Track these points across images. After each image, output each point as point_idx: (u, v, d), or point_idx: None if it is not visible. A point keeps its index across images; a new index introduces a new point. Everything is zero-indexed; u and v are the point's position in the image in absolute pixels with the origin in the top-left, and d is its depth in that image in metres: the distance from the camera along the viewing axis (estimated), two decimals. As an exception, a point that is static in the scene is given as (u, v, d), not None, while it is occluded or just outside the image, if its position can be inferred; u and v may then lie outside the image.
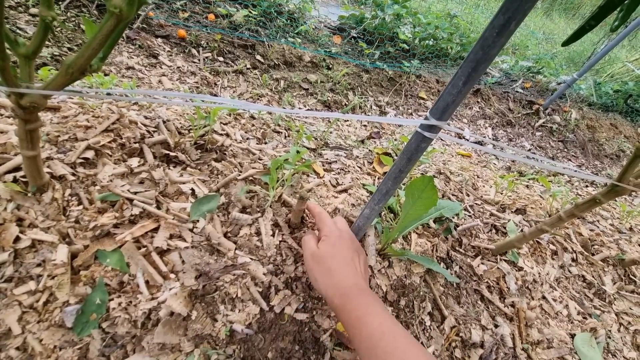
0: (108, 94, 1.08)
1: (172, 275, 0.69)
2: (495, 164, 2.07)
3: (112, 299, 0.64)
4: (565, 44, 0.75)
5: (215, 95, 1.79)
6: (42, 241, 0.65)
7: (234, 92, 1.85)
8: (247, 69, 2.02)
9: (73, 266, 0.65)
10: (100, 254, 0.67)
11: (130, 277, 0.67)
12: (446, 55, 2.89)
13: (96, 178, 0.78)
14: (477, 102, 2.78)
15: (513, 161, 2.27)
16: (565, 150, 2.73)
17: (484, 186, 1.45)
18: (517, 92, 3.01)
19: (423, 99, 2.54)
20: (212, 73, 1.90)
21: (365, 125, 2.10)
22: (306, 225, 0.89)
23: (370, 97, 2.35)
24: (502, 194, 1.40)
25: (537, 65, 3.30)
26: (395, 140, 1.73)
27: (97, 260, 0.67)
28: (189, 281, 0.69)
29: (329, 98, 2.12)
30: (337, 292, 0.58)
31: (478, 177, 1.54)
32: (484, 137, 2.53)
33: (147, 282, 0.67)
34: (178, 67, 1.80)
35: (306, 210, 0.85)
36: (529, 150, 2.54)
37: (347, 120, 2.08)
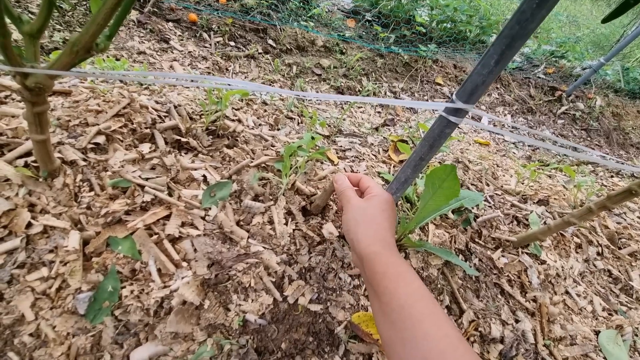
0: (119, 77, 1.06)
1: (185, 264, 0.68)
2: (515, 153, 1.99)
3: (125, 287, 0.63)
4: (606, 20, 0.68)
5: (226, 80, 1.76)
6: (54, 227, 0.65)
7: (245, 77, 1.81)
8: (259, 53, 1.97)
9: (85, 253, 0.64)
10: (112, 241, 0.66)
11: (142, 265, 0.66)
12: (464, 39, 2.77)
13: (107, 164, 0.76)
14: (497, 88, 2.67)
15: (534, 150, 2.18)
16: (589, 139, 2.61)
17: (504, 175, 1.39)
18: (538, 77, 2.88)
19: (440, 84, 2.45)
20: (224, 58, 1.86)
21: (379, 112, 2.04)
22: (327, 214, 0.87)
23: (385, 83, 2.27)
24: (523, 184, 1.34)
25: (560, 50, 3.14)
26: (411, 127, 1.67)
27: (109, 247, 0.66)
28: (202, 270, 0.68)
29: (342, 84, 2.06)
30: (378, 241, 0.53)
31: (498, 166, 1.48)
32: (503, 125, 2.43)
33: (159, 270, 0.66)
34: (189, 52, 1.77)
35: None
36: (550, 140, 2.44)
37: (361, 107, 2.02)
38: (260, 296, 0.70)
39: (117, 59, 1.40)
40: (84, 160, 0.75)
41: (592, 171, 1.93)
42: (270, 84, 1.82)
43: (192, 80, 0.94)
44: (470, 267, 0.92)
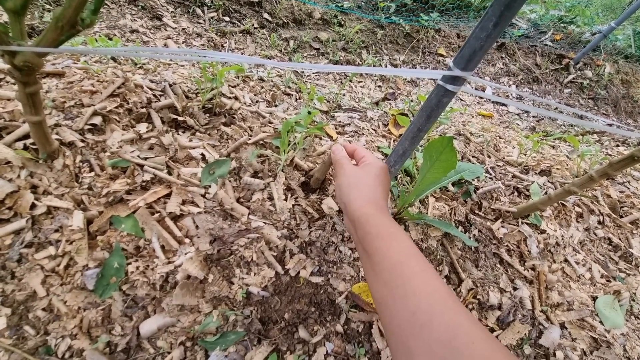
0: (112, 55, 1.04)
1: (187, 240, 0.69)
2: (519, 124, 1.95)
3: (130, 263, 0.64)
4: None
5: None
6: (58, 207, 0.66)
7: (242, 54, 1.76)
8: (255, 28, 1.91)
9: (89, 231, 0.66)
10: (115, 220, 0.67)
11: (146, 242, 0.67)
12: (468, 5, 2.66)
13: (105, 144, 0.77)
14: (501, 57, 2.59)
15: (538, 121, 2.14)
16: (596, 108, 2.55)
17: (506, 147, 1.37)
18: (545, 45, 2.78)
19: (442, 55, 2.38)
20: (219, 34, 1.81)
21: (379, 87, 2.00)
22: (327, 189, 0.87)
23: (385, 55, 2.21)
24: (525, 155, 1.32)
25: (569, 15, 3.00)
26: (412, 101, 1.64)
27: (112, 225, 0.67)
28: (204, 246, 0.70)
29: (341, 58, 2.01)
30: (370, 203, 0.54)
31: (500, 137, 1.46)
32: (507, 95, 2.38)
33: (162, 246, 0.67)
34: (183, 29, 1.72)
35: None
36: (555, 109, 2.39)
37: (361, 82, 1.98)
38: (262, 270, 0.72)
39: (110, 38, 1.37)
40: (82, 141, 0.75)
41: (598, 141, 1.90)
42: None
43: (186, 55, 0.92)
44: (470, 238, 0.93)
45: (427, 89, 2.05)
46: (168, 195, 0.74)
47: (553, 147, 1.53)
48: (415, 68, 2.25)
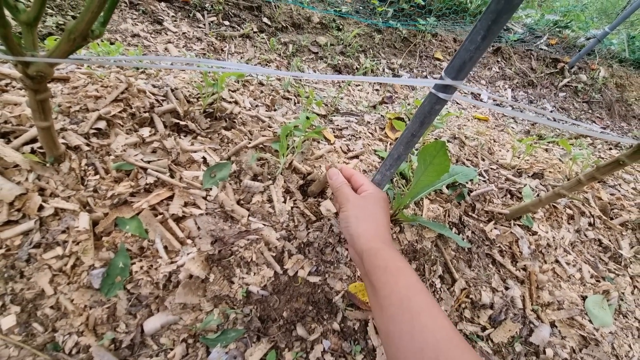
0: (115, 61, 1.06)
1: (189, 241, 0.72)
2: (513, 128, 1.99)
3: (134, 263, 0.67)
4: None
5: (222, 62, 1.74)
6: (64, 209, 0.68)
7: (241, 57, 1.79)
8: (254, 32, 1.94)
9: (95, 233, 0.68)
10: (120, 221, 0.69)
11: (150, 243, 0.70)
12: (465, 10, 2.70)
13: (110, 148, 0.79)
14: (497, 61, 2.63)
15: (533, 124, 2.17)
16: (590, 111, 2.59)
17: (500, 150, 1.40)
18: (541, 49, 2.82)
19: (439, 59, 2.41)
20: (219, 38, 1.84)
21: (377, 90, 2.03)
22: (324, 192, 0.90)
23: (383, 59, 2.24)
24: (518, 158, 1.35)
25: (565, 19, 3.05)
26: (409, 104, 1.67)
27: (117, 227, 0.69)
28: (205, 246, 0.72)
29: (339, 62, 2.04)
30: (378, 237, 0.56)
31: (495, 141, 1.49)
32: (503, 99, 2.41)
33: (165, 247, 0.70)
34: (183, 33, 1.75)
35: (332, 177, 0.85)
36: (551, 112, 2.42)
37: (359, 85, 2.01)
38: (261, 270, 0.74)
39: (112, 43, 1.39)
40: (87, 145, 0.77)
41: (591, 144, 1.93)
42: (266, 64, 1.81)
43: (187, 64, 0.95)
44: (463, 239, 0.96)
45: (423, 93, 2.09)
46: (171, 198, 0.76)
47: (546, 150, 1.56)
48: (413, 71, 2.28)
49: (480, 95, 2.20)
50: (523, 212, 1.00)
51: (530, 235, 1.03)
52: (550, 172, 1.30)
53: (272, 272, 0.75)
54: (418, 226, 0.92)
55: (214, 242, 0.74)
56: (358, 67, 2.08)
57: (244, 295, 0.71)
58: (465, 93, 2.26)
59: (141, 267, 0.67)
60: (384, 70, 2.18)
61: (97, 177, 0.74)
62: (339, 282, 0.79)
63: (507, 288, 0.91)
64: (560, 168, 1.37)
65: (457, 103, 2.13)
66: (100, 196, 0.72)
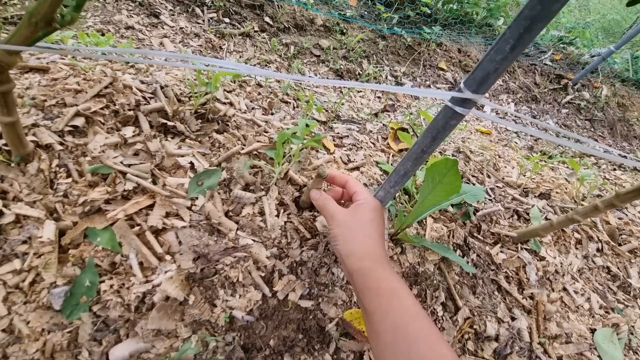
0: (101, 53, 0.99)
1: (168, 257, 0.64)
2: (517, 143, 1.94)
3: (103, 281, 0.59)
4: (631, 3, 0.63)
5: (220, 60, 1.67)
6: (28, 216, 0.60)
7: (240, 56, 1.72)
8: (255, 31, 1.87)
9: (61, 244, 0.60)
10: (90, 232, 0.62)
11: (123, 258, 0.62)
12: (471, 21, 2.66)
13: (86, 148, 0.71)
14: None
15: (536, 140, 2.13)
16: (592, 129, 2.56)
17: (505, 167, 1.35)
18: (545, 64, 2.79)
19: (443, 69, 2.37)
20: (217, 35, 1.77)
21: (379, 97, 1.97)
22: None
23: (386, 66, 2.19)
24: (525, 176, 1.30)
25: (569, 35, 3.03)
26: (412, 114, 1.61)
27: (87, 238, 0.62)
28: (186, 263, 0.64)
29: (341, 66, 1.98)
30: (368, 255, 0.52)
31: (499, 156, 1.44)
32: (505, 114, 2.37)
33: (140, 263, 0.62)
34: (181, 28, 1.68)
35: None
36: (558, 130, 2.38)
37: (360, 91, 1.95)
38: (248, 291, 0.67)
39: (102, 34, 1.32)
40: (61, 144, 0.70)
41: (595, 163, 1.89)
42: (266, 65, 1.74)
43: (181, 60, 0.88)
44: (468, 262, 0.89)
45: (426, 102, 2.03)
46: (151, 207, 0.69)
47: (552, 168, 1.51)
48: (416, 80, 2.23)
49: (490, 108, 2.16)
50: (532, 235, 0.94)
51: (537, 260, 0.97)
52: (557, 192, 1.25)
53: (259, 294, 0.67)
54: (421, 247, 0.85)
55: (196, 258, 0.66)
56: (361, 72, 2.02)
57: (227, 320, 0.63)
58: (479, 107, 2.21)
59: (111, 286, 0.59)
60: (386, 77, 2.12)
61: (69, 180, 0.67)
62: (334, 308, 0.72)
63: (513, 318, 0.85)
64: (567, 189, 1.31)
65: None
66: (70, 202, 0.64)
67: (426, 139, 0.61)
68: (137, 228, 0.64)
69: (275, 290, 0.69)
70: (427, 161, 1.06)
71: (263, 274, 0.70)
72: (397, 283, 0.48)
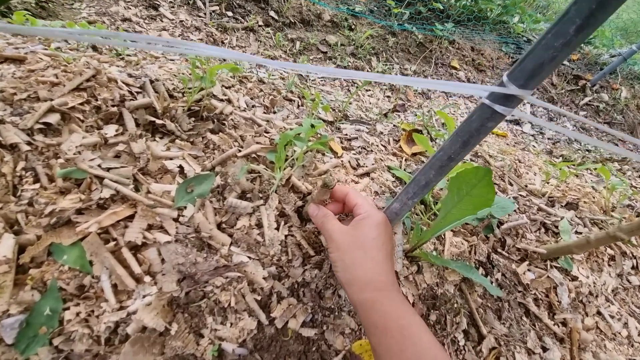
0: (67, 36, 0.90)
1: (148, 278, 0.55)
2: (534, 147, 1.83)
3: (68, 308, 0.50)
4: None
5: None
6: (-17, 229, 0.51)
7: (243, 52, 1.63)
8: (259, 26, 1.78)
9: (19, 263, 0.51)
10: (56, 249, 0.52)
11: (94, 280, 0.53)
12: (485, 18, 2.54)
13: (59, 149, 0.62)
14: (516, 74, 2.47)
15: (554, 143, 2.02)
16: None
17: (527, 173, 1.24)
18: (562, 64, 2.66)
19: (455, 68, 2.26)
20: (220, 29, 1.68)
21: (388, 97, 1.87)
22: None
23: (396, 64, 2.09)
24: (548, 183, 1.19)
25: (587, 34, 2.90)
26: (425, 114, 1.50)
27: (51, 256, 0.52)
28: (169, 286, 0.55)
29: (349, 64, 1.88)
30: (372, 283, 0.45)
31: (519, 161, 1.33)
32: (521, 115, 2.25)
33: (114, 286, 0.53)
34: (181, 21, 1.59)
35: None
36: (572, 131, 2.26)
37: (369, 90, 1.85)
38: (241, 319, 0.57)
39: (91, 22, 1.23)
40: (29, 143, 0.60)
41: (619, 169, 1.77)
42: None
43: (167, 45, 0.79)
44: (492, 282, 0.79)
45: (438, 103, 1.92)
46: (131, 218, 0.59)
47: (576, 175, 1.39)
48: (427, 79, 2.12)
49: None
50: (563, 252, 0.84)
51: (569, 280, 0.86)
52: (585, 202, 1.14)
53: (254, 322, 0.58)
54: (439, 265, 0.75)
55: (181, 279, 0.57)
56: (370, 70, 1.91)
57: (215, 354, 0.54)
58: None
59: (77, 314, 0.50)
60: (396, 74, 2.02)
61: (37, 186, 0.58)
62: (340, 338, 0.62)
63: (545, 349, 0.74)
64: (594, 198, 1.20)
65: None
66: (36, 212, 0.55)
67: (455, 144, 0.50)
68: (112, 244, 0.55)
69: (273, 316, 0.60)
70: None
71: (259, 298, 0.60)
72: (408, 318, 0.41)
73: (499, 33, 2.55)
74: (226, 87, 0.98)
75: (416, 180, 0.58)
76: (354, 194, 0.57)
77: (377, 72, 1.89)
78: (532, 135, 2.05)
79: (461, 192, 0.58)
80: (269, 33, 1.77)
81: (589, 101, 2.52)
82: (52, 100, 0.66)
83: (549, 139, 2.07)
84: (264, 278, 0.61)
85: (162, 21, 1.56)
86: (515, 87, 0.41)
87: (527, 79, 0.40)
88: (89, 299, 0.51)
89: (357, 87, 1.61)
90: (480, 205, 0.57)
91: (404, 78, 0.40)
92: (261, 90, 1.09)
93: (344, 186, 0.60)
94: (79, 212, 0.57)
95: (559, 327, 0.79)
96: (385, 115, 1.52)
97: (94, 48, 1.04)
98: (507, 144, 1.69)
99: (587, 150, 2.04)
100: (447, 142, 0.51)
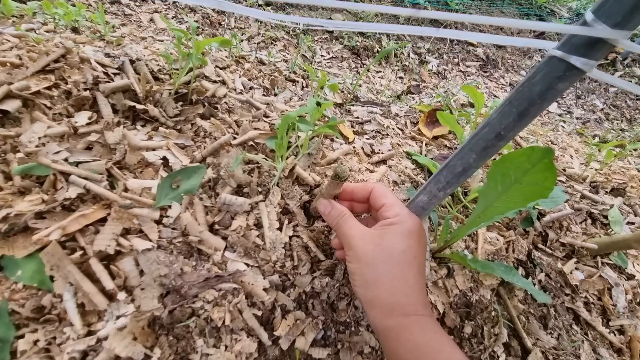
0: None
1: (123, 295, 0.45)
2: (563, 127, 1.67)
3: (23, 336, 0.40)
4: None
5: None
6: None
7: (242, 34, 1.51)
8: (259, 5, 1.65)
9: (-38, 282, 0.42)
10: (8, 263, 0.43)
11: (55, 299, 0.43)
12: (503, -11, 2.35)
13: (19, 141, 0.52)
14: (539, 50, 2.28)
15: (584, 123, 1.85)
16: (646, 110, 2.23)
17: (562, 156, 1.10)
18: (589, 37, 2.45)
19: (473, 45, 2.09)
20: (217, 11, 1.55)
21: (400, 78, 1.73)
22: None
23: (408, 42, 1.93)
24: (587, 166, 1.05)
25: (616, 4, 2.66)
26: (444, 93, 1.36)
27: (2, 272, 0.43)
28: (150, 303, 0.45)
29: (357, 43, 1.74)
30: (399, 309, 0.36)
31: (552, 143, 1.19)
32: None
33: (81, 306, 0.43)
34: (174, 2, 1.47)
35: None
36: (601, 110, 2.08)
37: (380, 72, 1.71)
38: (238, 340, 0.47)
39: (73, 4, 1.12)
40: (-19, 135, 0.51)
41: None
42: (272, 42, 1.52)
43: None
44: (534, 284, 0.67)
45: (455, 82, 1.77)
46: (103, 221, 0.49)
47: (616, 156, 1.24)
48: (442, 57, 1.97)
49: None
50: (621, 247, 0.71)
51: (625, 279, 0.74)
52: (632, 186, 1.00)
53: (254, 343, 0.48)
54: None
55: (164, 294, 0.47)
56: (380, 49, 1.77)
57: (207, 386, 0.44)
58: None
59: (35, 343, 0.40)
60: (409, 54, 1.87)
61: (-11, 186, 0.48)
62: (358, 359, 0.51)
63: (601, 363, 0.63)
64: (642, 181, 1.06)
65: (486, 86, 1.82)
66: (-13, 217, 0.46)
67: (506, 117, 0.38)
68: (78, 254, 0.45)
69: (277, 335, 0.49)
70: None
71: (259, 313, 0.50)
72: (447, 352, 0.33)
73: (520, 4, 2.35)
74: (220, 68, 0.87)
75: (450, 166, 0.46)
76: (381, 190, 0.45)
77: (388, 51, 1.75)
78: (559, 115, 1.89)
79: (507, 179, 0.46)
80: (269, 12, 1.64)
81: (620, 76, 2.31)
82: (10, 84, 0.56)
83: (577, 118, 1.90)
84: (265, 289, 0.51)
85: (154, 3, 1.45)
86: (605, 26, 0.29)
87: (625, 15, 0.28)
88: (49, 323, 0.42)
89: (365, 68, 1.48)
90: (533, 195, 0.45)
91: (447, 31, 0.28)
92: (260, 71, 0.98)
93: (367, 183, 0.48)
94: (40, 215, 0.47)
95: (615, 335, 0.67)
96: (399, 97, 1.39)
97: (74, 29, 0.93)
98: (534, 124, 1.54)
99: (621, 130, 1.87)
100: (496, 114, 0.39)
